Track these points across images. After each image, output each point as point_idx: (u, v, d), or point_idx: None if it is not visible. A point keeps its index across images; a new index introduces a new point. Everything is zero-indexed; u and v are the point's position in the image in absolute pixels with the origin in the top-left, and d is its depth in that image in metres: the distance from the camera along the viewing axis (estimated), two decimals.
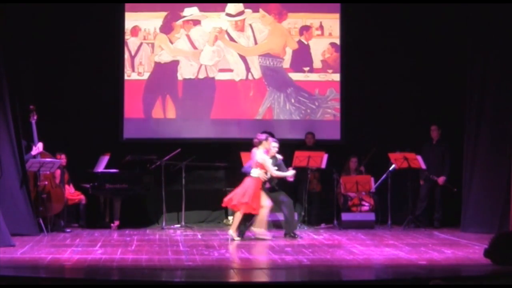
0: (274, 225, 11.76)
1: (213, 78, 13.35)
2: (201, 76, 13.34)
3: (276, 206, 11.02)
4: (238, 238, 10.53)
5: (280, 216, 11.40)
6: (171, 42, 13.32)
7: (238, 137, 13.26)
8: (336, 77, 13.47)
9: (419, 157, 12.16)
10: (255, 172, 10.66)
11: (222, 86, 13.36)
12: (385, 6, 13.02)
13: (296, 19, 13.49)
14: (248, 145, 12.70)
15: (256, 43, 13.44)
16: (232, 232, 10.54)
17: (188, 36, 13.35)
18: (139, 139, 13.16)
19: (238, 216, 10.61)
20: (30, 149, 11.23)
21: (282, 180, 11.48)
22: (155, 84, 13.31)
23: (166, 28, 13.33)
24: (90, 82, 12.90)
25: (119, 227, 11.89)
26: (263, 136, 10.90)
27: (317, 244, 10.27)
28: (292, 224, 10.97)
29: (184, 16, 13.35)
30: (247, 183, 10.64)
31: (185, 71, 13.33)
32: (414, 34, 13.12)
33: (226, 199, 10.80)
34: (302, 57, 13.46)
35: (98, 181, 12.06)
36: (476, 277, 7.85)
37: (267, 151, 10.80)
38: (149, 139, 13.16)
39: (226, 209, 12.95)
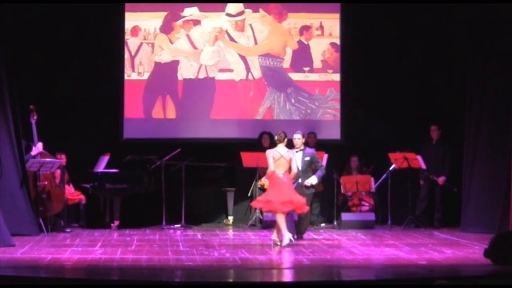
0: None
1: (213, 78, 13.35)
2: (201, 76, 13.34)
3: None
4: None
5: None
6: (171, 42, 13.32)
7: (238, 137, 13.28)
8: (336, 77, 13.47)
9: (419, 157, 12.16)
10: None
11: (222, 86, 13.36)
12: (385, 6, 13.02)
13: (296, 19, 13.49)
14: (248, 145, 12.76)
15: (256, 43, 13.44)
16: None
17: (188, 36, 13.35)
18: (139, 139, 13.16)
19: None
20: (30, 149, 11.23)
21: None
22: (155, 84, 13.31)
23: (166, 28, 13.33)
24: (90, 82, 12.89)
25: (119, 227, 11.89)
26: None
27: (317, 244, 10.26)
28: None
29: (184, 16, 13.35)
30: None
31: (185, 71, 13.33)
32: (414, 34, 13.11)
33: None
34: (302, 57, 13.46)
35: (98, 181, 12.05)
36: (476, 277, 7.85)
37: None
38: (149, 139, 13.16)
39: (226, 209, 12.98)
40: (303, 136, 10.58)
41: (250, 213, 12.65)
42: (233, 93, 13.39)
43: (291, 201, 9.91)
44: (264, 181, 10.46)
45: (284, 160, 10.01)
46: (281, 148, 10.09)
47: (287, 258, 9.12)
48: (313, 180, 10.47)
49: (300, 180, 10.42)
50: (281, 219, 9.84)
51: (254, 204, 10.57)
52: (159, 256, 8.96)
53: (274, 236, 10.00)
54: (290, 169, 10.06)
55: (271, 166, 9.97)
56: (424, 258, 8.91)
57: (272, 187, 10.05)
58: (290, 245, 9.75)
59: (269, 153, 10.11)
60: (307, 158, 10.49)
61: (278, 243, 9.90)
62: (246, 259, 8.87)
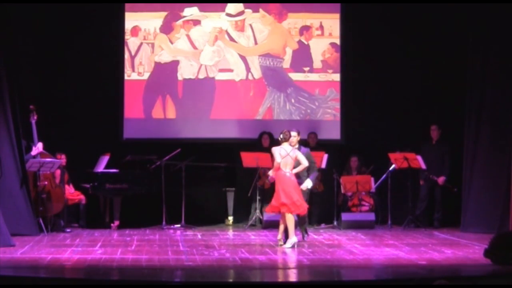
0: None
1: (213, 78, 13.35)
2: (201, 76, 13.34)
3: None
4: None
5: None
6: (171, 42, 13.32)
7: (238, 137, 13.28)
8: (336, 77, 13.47)
9: (419, 157, 12.15)
10: None
11: (222, 86, 13.36)
12: (385, 6, 13.02)
13: (296, 19, 13.49)
14: (248, 145, 12.76)
15: (256, 43, 13.44)
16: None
17: (188, 36, 13.35)
18: (139, 139, 13.16)
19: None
20: (30, 149, 11.23)
21: None
22: (155, 84, 13.31)
23: (166, 28, 13.33)
24: (90, 82, 12.90)
25: (119, 227, 11.89)
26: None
27: (317, 244, 10.27)
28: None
29: (184, 16, 13.35)
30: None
31: (185, 71, 13.33)
32: (414, 34, 13.11)
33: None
34: (302, 57, 13.46)
35: (98, 181, 12.05)
36: (476, 277, 7.86)
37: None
38: (149, 139, 13.16)
39: (226, 209, 12.98)
40: (298, 134, 10.58)
41: (250, 213, 12.66)
42: (233, 93, 13.39)
43: (306, 201, 10.06)
44: (270, 174, 10.38)
45: (290, 159, 10.05)
46: (286, 146, 10.13)
47: (287, 258, 9.12)
48: (308, 184, 10.46)
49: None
50: (291, 221, 9.89)
51: (268, 209, 10.44)
52: (159, 256, 8.96)
53: (280, 236, 10.05)
54: (294, 168, 10.11)
55: (278, 158, 10.00)
56: (424, 258, 8.91)
57: (281, 188, 10.02)
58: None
59: (276, 149, 10.15)
60: None
61: (281, 243, 9.92)
62: (246, 259, 8.87)
